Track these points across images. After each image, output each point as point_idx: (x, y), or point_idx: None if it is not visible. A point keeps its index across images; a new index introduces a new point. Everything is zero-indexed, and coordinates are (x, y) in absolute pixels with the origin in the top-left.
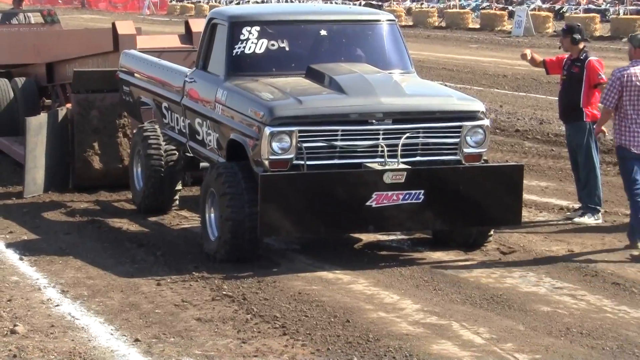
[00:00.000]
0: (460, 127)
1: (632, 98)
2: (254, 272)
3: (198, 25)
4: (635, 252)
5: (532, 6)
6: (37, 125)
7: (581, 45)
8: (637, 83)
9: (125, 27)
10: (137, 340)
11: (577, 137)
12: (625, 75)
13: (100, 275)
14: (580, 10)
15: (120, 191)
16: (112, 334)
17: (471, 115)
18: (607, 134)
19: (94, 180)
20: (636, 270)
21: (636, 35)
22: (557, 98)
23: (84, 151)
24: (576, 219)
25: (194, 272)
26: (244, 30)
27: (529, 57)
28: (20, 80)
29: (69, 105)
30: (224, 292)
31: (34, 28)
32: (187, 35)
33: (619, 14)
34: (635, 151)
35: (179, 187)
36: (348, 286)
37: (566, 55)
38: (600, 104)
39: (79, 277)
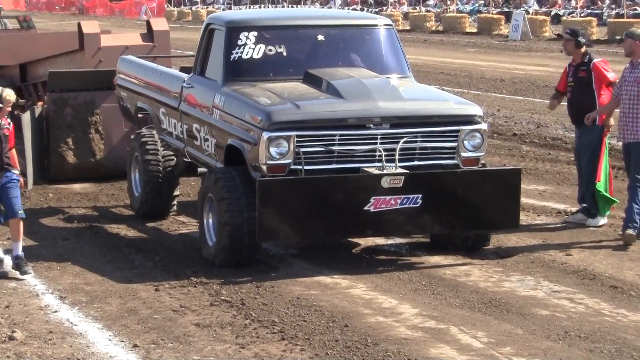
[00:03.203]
0: (457, 131)
1: None
2: (253, 277)
3: (158, 25)
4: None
5: (530, 10)
6: (27, 122)
7: (583, 49)
8: None
9: (89, 27)
10: (135, 345)
11: (588, 138)
12: None
13: (99, 281)
14: (577, 14)
15: (119, 197)
16: (110, 340)
17: (469, 120)
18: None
19: (68, 174)
20: (634, 274)
21: (636, 30)
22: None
23: (58, 146)
24: (589, 221)
25: (192, 278)
26: (242, 36)
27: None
28: None
29: (40, 104)
30: (223, 297)
31: (11, 33)
32: (149, 34)
33: (616, 16)
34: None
35: (177, 192)
36: (346, 291)
37: (566, 65)
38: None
39: (77, 283)
